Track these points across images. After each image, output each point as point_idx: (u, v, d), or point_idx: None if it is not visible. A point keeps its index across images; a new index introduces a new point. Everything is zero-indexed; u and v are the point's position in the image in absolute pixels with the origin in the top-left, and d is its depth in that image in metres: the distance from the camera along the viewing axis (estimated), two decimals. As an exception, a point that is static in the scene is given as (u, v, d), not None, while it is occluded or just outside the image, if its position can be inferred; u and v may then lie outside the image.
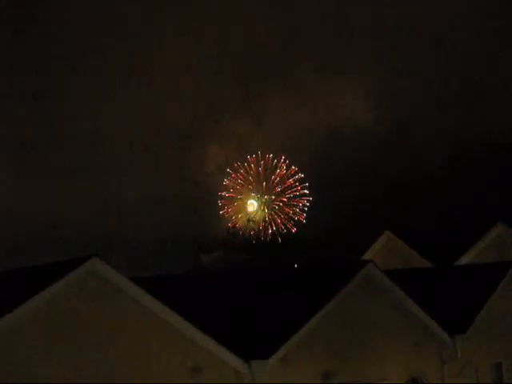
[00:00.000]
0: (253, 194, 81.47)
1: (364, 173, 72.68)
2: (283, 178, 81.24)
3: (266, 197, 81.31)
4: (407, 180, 66.43)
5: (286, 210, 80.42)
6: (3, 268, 21.37)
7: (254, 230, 78.19)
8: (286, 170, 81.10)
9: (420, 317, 23.04)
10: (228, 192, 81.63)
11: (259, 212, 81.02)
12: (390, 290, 22.36)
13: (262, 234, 78.48)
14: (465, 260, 33.13)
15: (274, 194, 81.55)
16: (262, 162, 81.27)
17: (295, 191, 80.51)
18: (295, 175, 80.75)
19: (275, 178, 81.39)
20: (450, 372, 23.83)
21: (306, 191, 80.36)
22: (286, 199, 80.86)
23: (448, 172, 64.99)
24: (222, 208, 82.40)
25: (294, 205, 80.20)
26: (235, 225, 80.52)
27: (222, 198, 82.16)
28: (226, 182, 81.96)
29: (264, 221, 78.98)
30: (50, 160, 79.29)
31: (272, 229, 78.82)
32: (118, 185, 77.57)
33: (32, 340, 15.20)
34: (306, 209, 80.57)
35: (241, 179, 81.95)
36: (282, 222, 79.53)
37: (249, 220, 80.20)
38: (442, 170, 65.76)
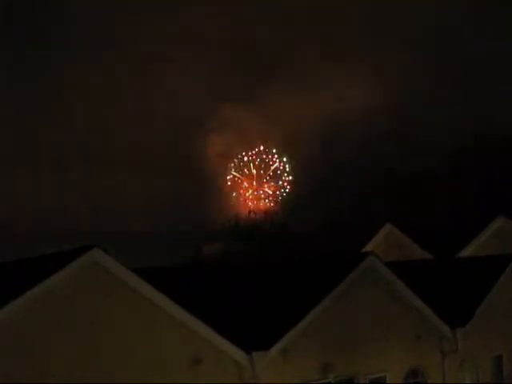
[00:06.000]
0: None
1: (365, 164, 72.55)
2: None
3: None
4: (409, 172, 66.32)
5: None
6: (3, 259, 21.32)
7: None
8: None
9: (421, 309, 23.03)
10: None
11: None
12: (390, 283, 22.35)
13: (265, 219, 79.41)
14: (466, 253, 33.10)
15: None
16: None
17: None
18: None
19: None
20: (450, 364, 23.86)
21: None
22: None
23: (449, 165, 64.89)
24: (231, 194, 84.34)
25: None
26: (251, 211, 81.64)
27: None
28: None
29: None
30: (51, 154, 79.25)
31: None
32: (118, 176, 77.56)
33: (32, 330, 15.19)
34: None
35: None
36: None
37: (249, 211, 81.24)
38: (444, 163, 65.68)
